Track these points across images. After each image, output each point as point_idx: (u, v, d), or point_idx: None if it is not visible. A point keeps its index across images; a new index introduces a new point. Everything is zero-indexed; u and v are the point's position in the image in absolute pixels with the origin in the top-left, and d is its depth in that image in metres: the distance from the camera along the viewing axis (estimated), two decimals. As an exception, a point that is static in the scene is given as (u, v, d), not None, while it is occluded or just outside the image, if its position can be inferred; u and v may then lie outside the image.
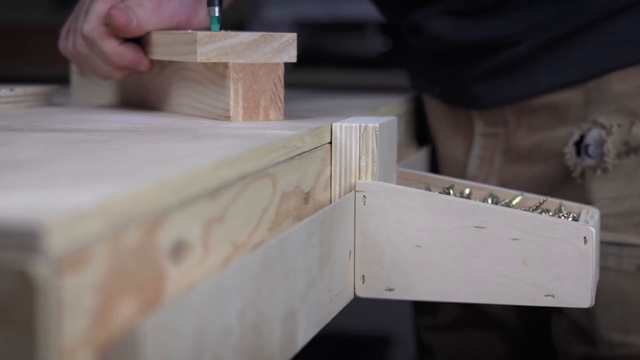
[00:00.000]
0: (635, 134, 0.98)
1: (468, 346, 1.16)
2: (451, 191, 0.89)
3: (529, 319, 1.12)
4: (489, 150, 1.07)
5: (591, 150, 0.99)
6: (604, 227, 0.94)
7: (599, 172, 0.99)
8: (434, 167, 1.14)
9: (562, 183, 1.01)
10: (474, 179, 1.07)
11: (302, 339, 0.69)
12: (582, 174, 1.00)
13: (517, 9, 1.01)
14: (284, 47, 0.84)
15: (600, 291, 0.94)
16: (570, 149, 1.00)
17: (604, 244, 0.97)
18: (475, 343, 1.16)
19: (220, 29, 0.87)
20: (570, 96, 1.01)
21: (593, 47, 0.99)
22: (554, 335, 1.05)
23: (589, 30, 0.99)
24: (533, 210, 0.87)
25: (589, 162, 0.99)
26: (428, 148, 1.15)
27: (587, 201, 0.98)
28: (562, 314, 1.03)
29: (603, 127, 0.99)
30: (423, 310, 1.19)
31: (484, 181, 1.06)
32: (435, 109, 1.12)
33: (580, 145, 1.00)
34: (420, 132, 1.16)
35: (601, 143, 0.99)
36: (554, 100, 1.01)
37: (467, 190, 0.91)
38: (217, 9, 0.87)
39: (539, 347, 1.11)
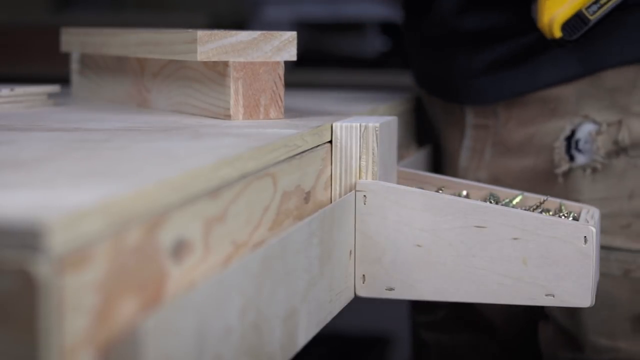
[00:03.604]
0: (624, 134, 0.97)
1: (462, 345, 1.16)
2: (440, 191, 0.89)
3: (519, 324, 1.11)
4: (479, 142, 1.05)
5: (581, 145, 0.98)
6: None
7: (588, 171, 0.98)
8: (437, 162, 1.14)
9: (551, 179, 1.00)
10: (465, 170, 1.06)
11: (303, 339, 0.69)
12: (569, 172, 0.99)
13: None
14: (284, 46, 0.84)
15: None
16: (560, 144, 0.99)
17: None
18: (469, 343, 1.15)
19: None
20: (562, 90, 0.99)
21: (596, 42, 0.98)
22: (540, 342, 1.04)
23: (594, 25, 0.97)
24: (533, 210, 0.87)
25: (579, 157, 0.99)
26: (428, 148, 1.15)
27: (575, 200, 0.97)
28: (548, 321, 1.02)
29: (594, 122, 0.98)
30: (421, 307, 1.18)
31: (475, 173, 1.05)
32: (434, 100, 1.11)
33: (571, 140, 0.99)
34: (420, 132, 1.16)
35: (591, 139, 0.98)
36: (545, 93, 1.00)
37: (464, 192, 0.91)
38: None
39: (528, 352, 1.10)
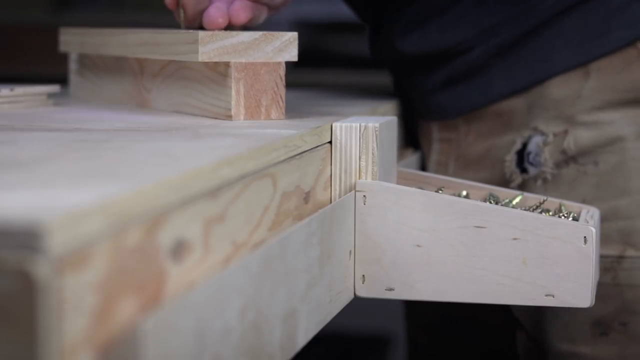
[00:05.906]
0: (570, 142, 0.97)
1: (452, 348, 1.16)
2: (440, 191, 0.89)
3: (501, 331, 1.11)
4: (444, 156, 1.06)
5: (532, 157, 0.98)
6: None
7: (539, 182, 0.98)
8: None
9: None
10: None
11: (303, 339, 0.69)
12: (523, 185, 0.99)
13: (465, 15, 0.99)
14: (285, 46, 0.84)
15: None
16: (511, 157, 0.99)
17: None
18: (458, 346, 1.16)
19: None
20: (513, 102, 1.00)
21: (542, 49, 0.98)
22: (517, 348, 1.04)
23: (538, 32, 0.98)
24: (533, 210, 0.87)
25: (532, 170, 0.98)
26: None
27: None
28: (522, 327, 1.03)
29: (542, 134, 0.98)
30: (414, 308, 1.19)
31: None
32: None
33: (523, 154, 0.99)
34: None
35: (539, 150, 0.98)
36: (500, 107, 1.00)
37: (464, 192, 0.91)
38: None
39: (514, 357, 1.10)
